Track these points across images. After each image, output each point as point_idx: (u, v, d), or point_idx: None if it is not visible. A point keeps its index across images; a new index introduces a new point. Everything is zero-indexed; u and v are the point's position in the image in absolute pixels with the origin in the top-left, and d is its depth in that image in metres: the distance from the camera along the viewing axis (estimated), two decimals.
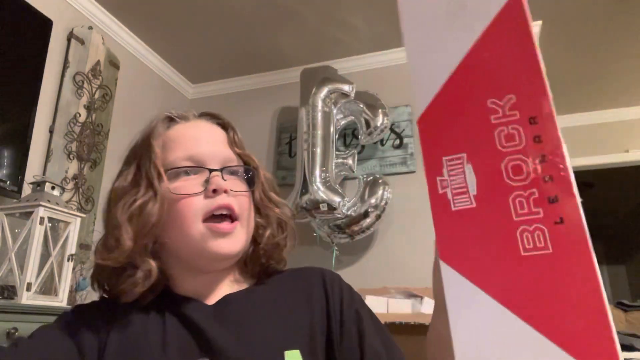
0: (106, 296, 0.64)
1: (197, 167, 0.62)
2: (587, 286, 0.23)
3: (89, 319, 0.60)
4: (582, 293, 0.23)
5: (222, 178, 0.62)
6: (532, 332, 0.23)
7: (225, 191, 0.61)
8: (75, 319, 0.60)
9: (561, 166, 0.24)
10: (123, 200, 0.61)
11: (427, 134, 0.27)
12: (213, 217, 0.60)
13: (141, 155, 0.64)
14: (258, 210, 0.67)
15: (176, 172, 0.62)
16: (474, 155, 0.26)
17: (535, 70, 0.25)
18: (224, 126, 0.69)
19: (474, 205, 0.25)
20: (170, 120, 0.68)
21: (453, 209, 0.25)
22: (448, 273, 0.25)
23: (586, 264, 0.23)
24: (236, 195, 0.62)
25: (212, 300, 0.63)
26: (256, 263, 0.67)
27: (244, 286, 0.66)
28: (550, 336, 0.23)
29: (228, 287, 0.66)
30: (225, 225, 0.60)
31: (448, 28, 0.27)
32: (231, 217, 0.61)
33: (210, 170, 0.62)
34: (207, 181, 0.61)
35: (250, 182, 0.66)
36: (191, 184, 0.61)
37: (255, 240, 0.66)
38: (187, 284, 0.64)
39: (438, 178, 0.26)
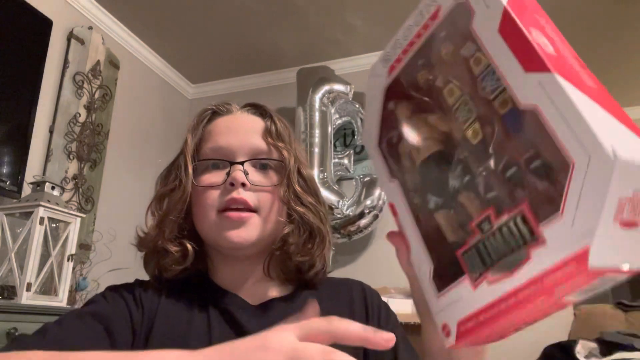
0: (149, 273, 0.66)
1: (219, 159, 0.63)
2: None
3: (138, 296, 0.61)
4: None
5: (244, 170, 0.61)
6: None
7: (244, 184, 0.61)
8: (125, 292, 0.61)
9: None
10: (157, 189, 0.66)
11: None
12: (229, 208, 0.61)
13: (181, 146, 0.67)
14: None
15: (205, 164, 0.64)
16: None
17: None
18: (264, 116, 0.68)
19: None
20: (214, 113, 0.69)
21: None
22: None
23: None
24: (257, 189, 0.62)
25: (250, 297, 0.63)
26: (281, 263, 0.65)
27: (282, 289, 0.66)
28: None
29: (264, 283, 0.65)
30: (235, 213, 0.60)
31: None
32: (249, 210, 0.61)
33: (231, 163, 0.62)
34: (228, 174, 0.62)
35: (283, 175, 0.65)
36: (216, 175, 0.63)
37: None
38: (223, 272, 0.65)
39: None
